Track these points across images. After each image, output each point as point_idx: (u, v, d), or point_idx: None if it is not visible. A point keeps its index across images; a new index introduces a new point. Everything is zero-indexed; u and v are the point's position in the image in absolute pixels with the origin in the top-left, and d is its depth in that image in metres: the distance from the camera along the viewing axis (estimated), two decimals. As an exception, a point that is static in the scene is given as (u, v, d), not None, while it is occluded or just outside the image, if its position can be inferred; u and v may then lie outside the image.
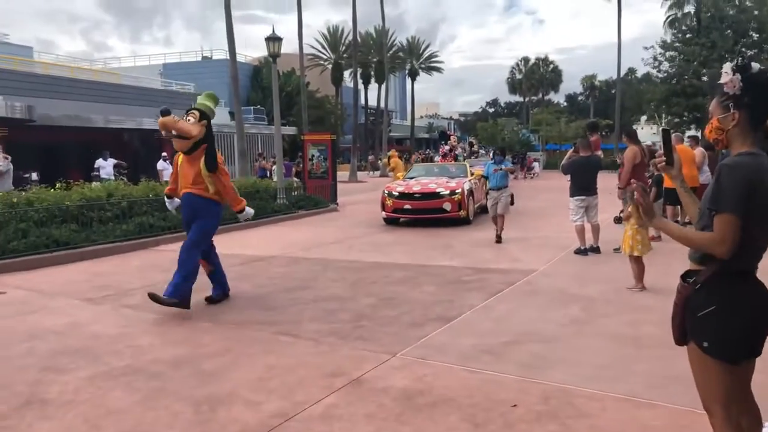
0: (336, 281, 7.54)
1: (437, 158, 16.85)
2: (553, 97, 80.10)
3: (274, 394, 3.94)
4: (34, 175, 21.50)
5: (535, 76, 74.93)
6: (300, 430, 3.42)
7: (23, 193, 10.95)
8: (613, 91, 56.60)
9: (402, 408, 3.66)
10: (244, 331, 5.45)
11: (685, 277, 2.39)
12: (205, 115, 6.46)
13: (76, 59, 45.36)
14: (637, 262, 6.65)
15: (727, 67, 2.26)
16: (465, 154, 39.47)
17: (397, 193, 13.15)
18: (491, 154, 11.31)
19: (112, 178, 16.52)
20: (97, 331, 5.52)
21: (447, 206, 12.63)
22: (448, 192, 12.77)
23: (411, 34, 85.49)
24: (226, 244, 10.86)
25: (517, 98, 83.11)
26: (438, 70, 64.08)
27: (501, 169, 10.55)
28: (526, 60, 76.60)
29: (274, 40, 16.15)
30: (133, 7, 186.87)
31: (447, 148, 23.74)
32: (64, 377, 4.35)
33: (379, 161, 29.12)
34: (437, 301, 6.30)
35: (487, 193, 11.28)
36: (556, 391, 3.84)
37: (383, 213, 13.29)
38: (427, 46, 63.13)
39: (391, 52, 53.16)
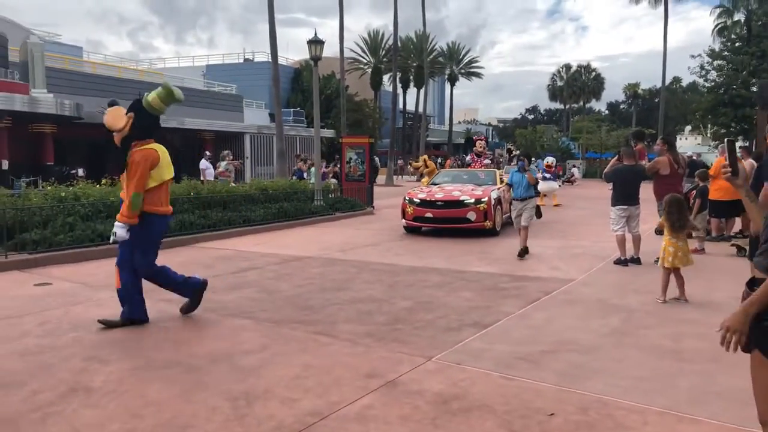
0: (372, 283, 7.56)
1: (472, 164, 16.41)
2: (594, 105, 78.93)
3: (310, 392, 3.97)
4: (81, 171, 22.18)
5: (577, 84, 73.88)
6: (335, 429, 3.44)
7: (71, 188, 11.29)
8: (656, 100, 55.49)
9: (437, 411, 3.65)
10: (281, 329, 5.51)
11: (751, 285, 2.34)
12: (137, 106, 5.57)
13: (123, 59, 46.62)
14: (665, 272, 6.57)
15: None
16: (502, 161, 39.18)
17: (418, 200, 12.34)
18: (515, 160, 10.64)
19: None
20: (139, 324, 5.65)
21: (471, 216, 11.77)
22: (473, 200, 11.87)
23: (451, 39, 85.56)
24: (265, 244, 11.04)
25: (558, 105, 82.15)
26: (478, 75, 63.73)
27: (525, 170, 9.71)
28: (567, 67, 75.63)
29: (316, 43, 16.31)
30: (178, 9, 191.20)
31: (471, 155, 22.14)
32: (107, 367, 4.47)
33: (409, 165, 28.54)
34: (474, 307, 6.26)
35: (510, 204, 10.28)
36: (594, 401, 3.77)
37: (403, 221, 12.60)
38: (467, 52, 62.80)
39: (431, 57, 53.06)
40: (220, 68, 46.37)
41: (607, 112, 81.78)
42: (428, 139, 55.24)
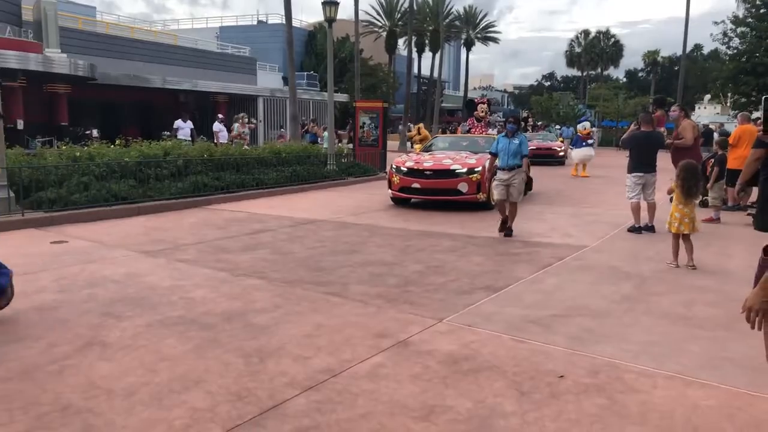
0: (383, 247, 7.58)
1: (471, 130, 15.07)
2: (612, 72, 77.51)
3: (321, 351, 4.02)
4: (95, 132, 22.25)
5: (595, 50, 72.46)
6: (346, 386, 3.49)
7: (85, 148, 11.34)
8: (676, 68, 54.35)
9: (447, 371, 3.68)
10: (293, 289, 5.55)
11: (767, 251, 2.32)
12: None
13: (137, 20, 46.28)
14: (674, 238, 6.64)
15: None
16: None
17: (405, 169, 11.07)
18: (504, 123, 8.86)
19: (189, 139, 16.99)
20: (153, 282, 5.72)
21: (463, 187, 10.58)
22: (465, 170, 10.62)
23: (468, 2, 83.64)
24: (278, 207, 11.08)
25: (575, 72, 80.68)
26: (494, 40, 62.74)
27: (514, 134, 8.51)
28: (586, 33, 74.08)
29: (330, 4, 16.06)
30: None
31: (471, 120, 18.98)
32: (122, 323, 4.54)
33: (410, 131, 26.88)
34: (485, 271, 6.27)
35: (494, 174, 8.89)
36: (604, 365, 3.78)
37: (389, 191, 11.47)
38: (485, 16, 61.95)
39: (447, 20, 52.21)
40: (233, 30, 45.94)
41: (625, 79, 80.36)
42: (443, 105, 54.64)
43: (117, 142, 12.49)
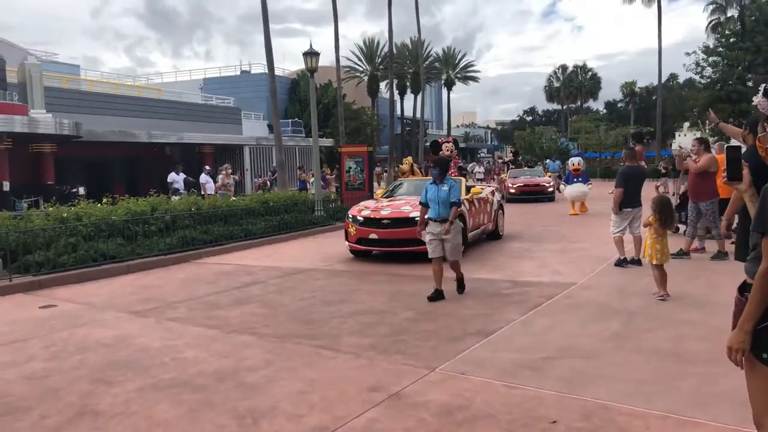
0: (374, 294, 7.59)
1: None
2: (592, 104, 79.15)
3: (315, 407, 4.01)
4: (81, 190, 22.22)
5: (573, 84, 74.11)
6: (341, 444, 3.48)
7: (72, 209, 11.34)
8: (654, 98, 55.48)
9: (442, 423, 3.69)
10: (284, 344, 5.54)
11: (742, 290, 2.39)
12: None
13: (121, 75, 46.77)
14: (659, 269, 6.76)
15: (761, 87, 2.28)
16: (500, 164, 38.67)
17: (362, 218, 10.11)
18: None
19: (185, 192, 17.10)
20: (144, 344, 5.70)
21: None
22: None
23: (447, 43, 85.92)
24: (267, 257, 11.08)
25: (555, 106, 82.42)
26: (474, 79, 63.93)
27: (440, 181, 7.33)
28: (563, 68, 75.90)
29: (311, 55, 16.42)
30: (174, 23, 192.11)
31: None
32: (114, 389, 4.51)
33: (385, 173, 23.14)
34: (476, 315, 6.30)
35: (426, 225, 7.43)
36: (597, 407, 3.81)
37: (346, 243, 10.54)
38: (463, 56, 63.11)
39: (426, 62, 53.25)
40: (217, 81, 46.49)
41: (605, 111, 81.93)
42: (427, 144, 55.32)
43: (104, 200, 12.50)
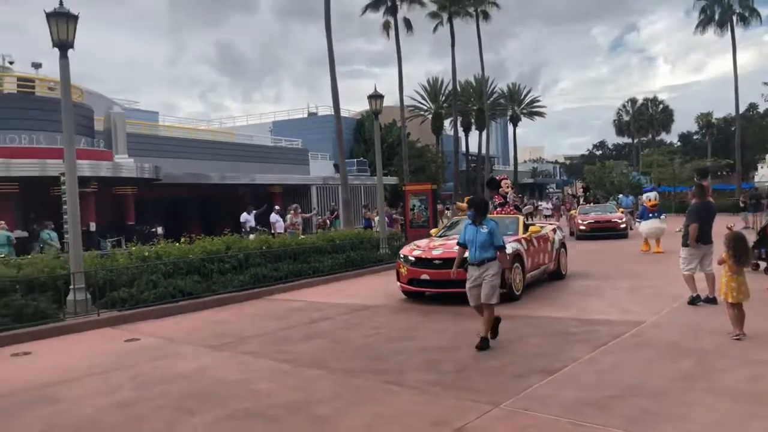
0: (438, 331, 7.70)
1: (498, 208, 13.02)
2: (665, 137, 76.79)
3: (381, 440, 4.15)
4: (160, 230, 23.47)
5: (644, 117, 72.27)
6: (407, 476, 3.60)
7: (153, 248, 12.05)
8: (732, 128, 53.43)
9: (505, 459, 3.75)
10: (352, 379, 5.73)
11: None
12: None
13: (195, 120, 49.40)
14: (735, 308, 6.54)
15: None
16: (569, 199, 37.67)
17: (413, 258, 9.93)
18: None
19: (260, 228, 18.00)
20: (220, 376, 6.01)
21: None
22: None
23: (512, 79, 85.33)
24: (334, 294, 11.37)
25: (626, 140, 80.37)
26: (540, 114, 63.57)
27: (480, 222, 6.88)
28: (633, 101, 74.23)
29: (376, 97, 16.93)
30: (245, 69, 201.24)
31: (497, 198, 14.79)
32: (194, 418, 4.80)
33: (447, 210, 22.53)
34: (541, 353, 6.30)
35: (466, 267, 7.03)
36: (664, 447, 3.77)
37: (398, 284, 10.34)
38: (529, 92, 62.85)
39: (491, 99, 53.53)
40: (286, 124, 48.26)
41: (679, 143, 79.29)
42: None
43: (182, 239, 13.18)
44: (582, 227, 22.03)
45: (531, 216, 24.70)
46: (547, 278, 11.65)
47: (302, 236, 17.43)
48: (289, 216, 19.34)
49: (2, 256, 12.79)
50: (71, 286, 9.21)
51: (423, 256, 9.83)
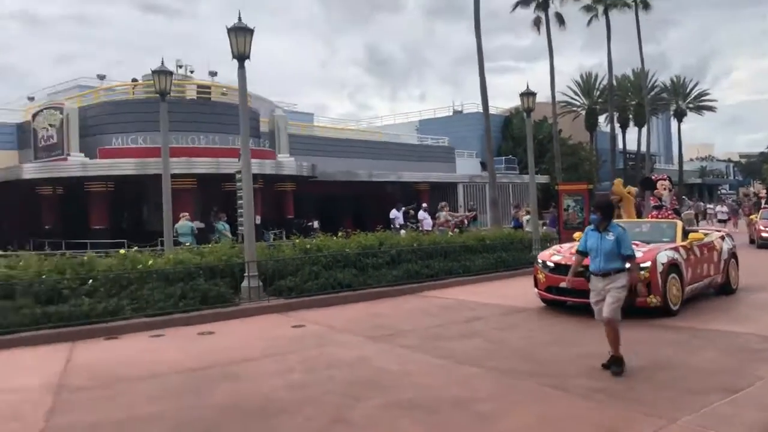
0: (596, 339, 7.32)
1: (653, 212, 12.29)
2: None
3: (547, 443, 4.11)
4: (316, 224, 24.89)
5: (835, 109, 63.57)
6: (577, 482, 3.54)
7: (313, 240, 12.80)
8: None
9: (685, 477, 3.55)
10: (511, 380, 5.71)
11: None
12: None
13: (345, 120, 51.40)
14: None
15: None
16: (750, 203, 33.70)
17: (552, 264, 9.25)
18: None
19: (410, 224, 18.62)
20: (382, 366, 6.28)
21: None
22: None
23: (675, 71, 79.56)
24: (485, 294, 11.34)
25: (812, 135, 71.25)
26: (710, 109, 58.24)
27: (605, 228, 6.16)
28: (821, 91, 65.57)
29: (528, 95, 16.56)
30: (392, 70, 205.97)
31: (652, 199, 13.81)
32: (360, 403, 5.08)
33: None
34: (719, 369, 5.83)
35: (588, 278, 6.40)
36: None
37: (535, 290, 9.75)
38: (696, 84, 57.83)
39: (651, 93, 50.08)
40: (431, 122, 48.68)
41: None
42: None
43: (339, 234, 13.85)
44: (764, 234, 19.79)
45: (692, 222, 22.65)
46: (714, 292, 10.48)
47: (451, 234, 17.55)
48: (443, 214, 19.57)
49: (188, 244, 14.35)
50: (246, 274, 10.07)
51: (563, 263, 8.97)
